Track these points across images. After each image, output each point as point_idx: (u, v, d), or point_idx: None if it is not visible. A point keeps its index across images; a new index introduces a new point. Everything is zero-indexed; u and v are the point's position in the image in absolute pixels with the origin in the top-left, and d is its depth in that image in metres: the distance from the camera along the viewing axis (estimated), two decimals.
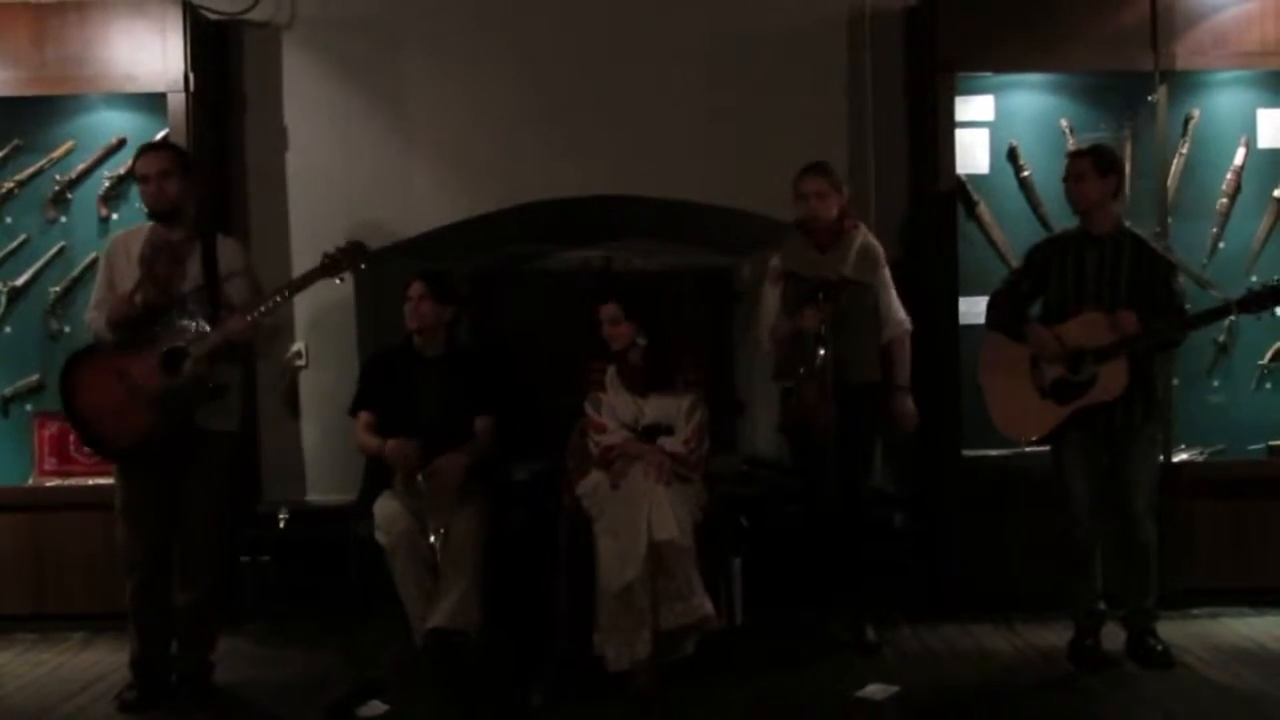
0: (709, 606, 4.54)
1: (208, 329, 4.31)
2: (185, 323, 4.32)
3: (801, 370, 4.83)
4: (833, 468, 4.78)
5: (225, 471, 4.56)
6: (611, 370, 4.97)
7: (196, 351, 4.29)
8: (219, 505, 4.53)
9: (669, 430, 4.89)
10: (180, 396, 4.30)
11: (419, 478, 4.75)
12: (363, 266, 4.56)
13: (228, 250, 4.55)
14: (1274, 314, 5.27)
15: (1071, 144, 5.52)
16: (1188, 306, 4.71)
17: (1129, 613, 4.84)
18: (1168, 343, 4.75)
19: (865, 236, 5.02)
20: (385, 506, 4.83)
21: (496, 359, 5.39)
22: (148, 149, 4.56)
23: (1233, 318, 4.71)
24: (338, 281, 4.57)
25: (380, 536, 4.76)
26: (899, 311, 5.04)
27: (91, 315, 4.52)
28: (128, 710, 4.39)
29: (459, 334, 5.28)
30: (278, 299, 4.46)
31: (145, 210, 4.52)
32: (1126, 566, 4.78)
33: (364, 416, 5.05)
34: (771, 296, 5.05)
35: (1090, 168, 4.66)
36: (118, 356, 4.36)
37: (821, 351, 4.75)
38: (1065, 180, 4.75)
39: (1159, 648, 4.76)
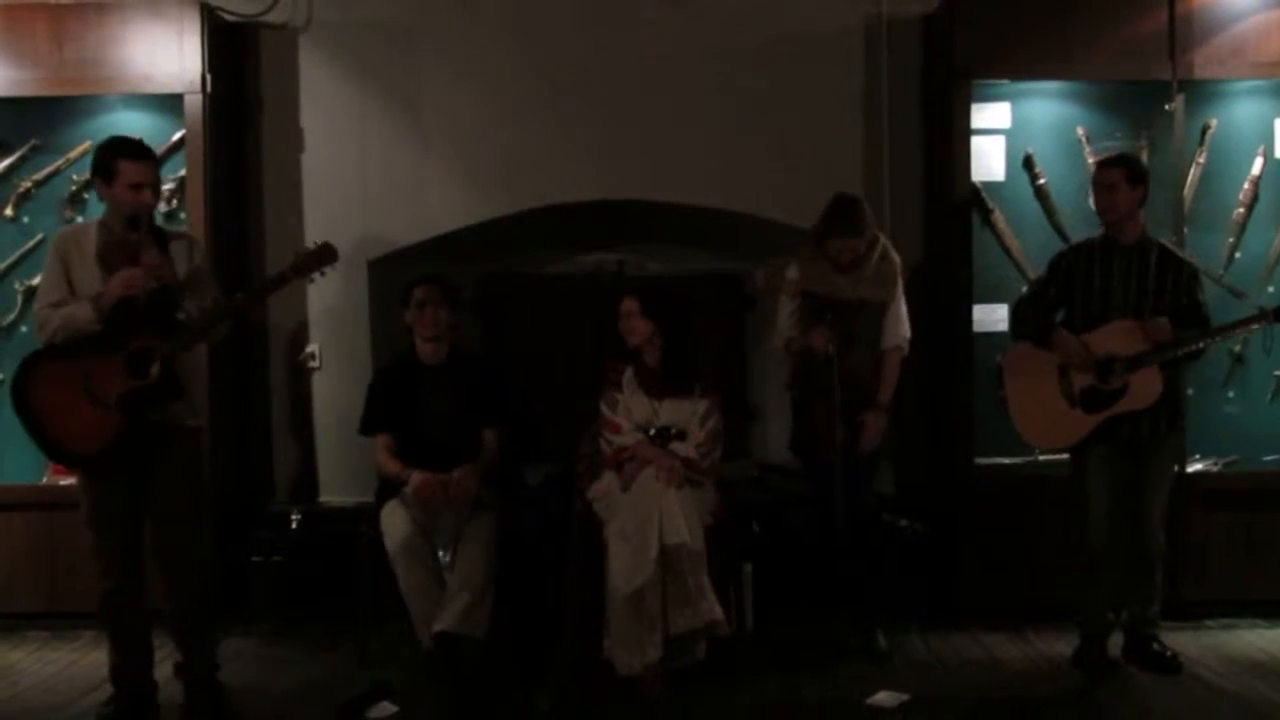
0: (718, 611, 4.53)
1: (172, 325, 4.21)
2: (150, 320, 4.18)
3: (808, 387, 4.85)
4: (840, 483, 4.78)
5: (198, 469, 4.45)
6: (629, 371, 4.97)
7: (163, 353, 4.17)
8: (196, 505, 4.42)
9: (681, 435, 4.88)
10: (147, 399, 4.19)
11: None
12: (325, 272, 4.48)
13: (183, 249, 4.42)
14: None
15: (1089, 152, 5.51)
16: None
17: (1132, 619, 4.85)
18: (1196, 353, 4.70)
19: (885, 249, 5.01)
20: (391, 514, 4.82)
21: (497, 367, 5.38)
22: (138, 153, 4.29)
23: (1256, 327, 4.65)
24: (309, 280, 4.51)
25: (386, 542, 4.76)
26: (902, 324, 5.01)
27: (46, 313, 4.26)
28: None
29: (459, 339, 5.25)
30: (245, 299, 4.44)
31: (116, 213, 4.28)
32: (1134, 573, 4.77)
33: (383, 439, 5.02)
34: (787, 308, 5.05)
35: (1122, 178, 4.64)
36: (78, 359, 4.19)
37: (829, 377, 4.75)
38: (1096, 189, 4.72)
39: (1168, 653, 4.76)
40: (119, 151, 4.28)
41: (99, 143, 4.41)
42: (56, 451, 4.34)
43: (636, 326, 4.90)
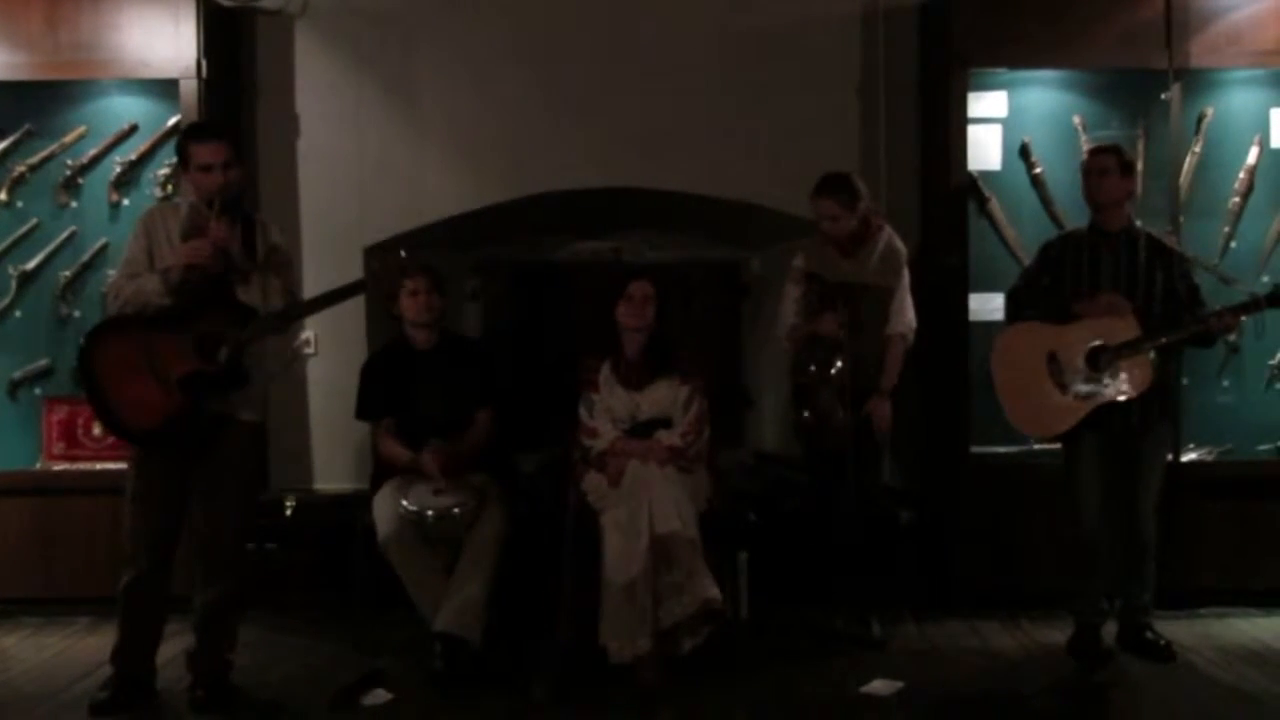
0: (715, 590, 4.48)
1: (245, 314, 4.18)
2: (224, 306, 4.17)
3: (816, 373, 4.84)
4: (851, 473, 4.78)
5: (253, 465, 4.43)
6: (605, 367, 4.94)
7: (232, 339, 4.14)
8: (246, 499, 4.41)
9: (666, 424, 4.87)
10: (211, 384, 4.16)
11: (429, 513, 4.69)
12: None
13: (269, 234, 4.40)
14: None
15: (1085, 141, 5.51)
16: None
17: (1125, 607, 4.86)
18: (1200, 339, 4.68)
19: (890, 238, 5.01)
20: (383, 502, 4.81)
21: (488, 350, 5.41)
22: (204, 135, 4.33)
23: (1251, 315, 4.66)
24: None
25: (377, 530, 4.75)
26: (907, 311, 5.02)
27: (121, 283, 4.24)
28: (99, 713, 4.24)
29: (450, 324, 5.26)
30: (319, 301, 4.39)
31: (198, 197, 4.28)
32: (1127, 561, 4.78)
33: (386, 423, 5.03)
34: (792, 296, 5.05)
35: (1115, 165, 4.67)
36: (146, 333, 4.16)
37: (839, 363, 4.76)
38: (1087, 175, 4.73)
39: (1161, 641, 4.77)
40: (188, 136, 4.35)
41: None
42: (112, 422, 4.27)
43: (646, 311, 4.88)
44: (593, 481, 4.82)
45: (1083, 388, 4.63)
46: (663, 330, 4.95)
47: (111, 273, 4.77)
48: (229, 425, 4.27)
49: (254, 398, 4.36)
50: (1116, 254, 4.68)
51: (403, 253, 4.62)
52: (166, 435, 4.20)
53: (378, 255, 4.90)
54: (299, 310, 4.40)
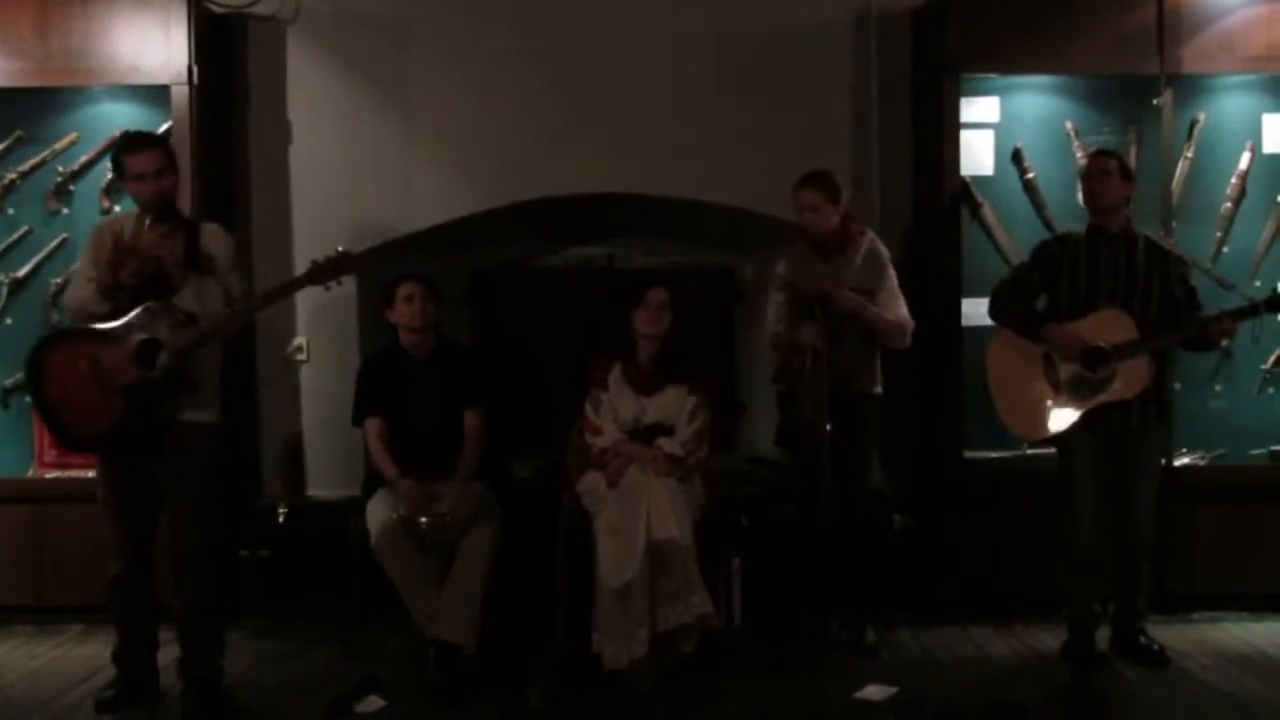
0: (709, 605, 4.53)
1: (185, 320, 4.20)
2: (163, 313, 4.19)
3: (796, 381, 4.83)
4: (829, 479, 4.76)
5: (209, 466, 4.41)
6: (617, 368, 4.96)
7: (172, 345, 4.16)
8: (206, 502, 4.40)
9: (669, 431, 4.87)
10: (152, 390, 4.18)
11: (422, 520, 4.67)
12: (339, 284, 4.50)
13: (211, 239, 4.42)
14: (1277, 319, 5.23)
15: (1077, 147, 5.52)
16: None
17: (1119, 610, 4.88)
18: (1198, 343, 4.68)
19: (872, 243, 5.01)
20: (376, 507, 4.81)
21: (480, 354, 5.42)
22: (137, 145, 4.37)
23: (1249, 320, 4.68)
24: (324, 289, 4.50)
25: (370, 536, 4.74)
26: (897, 305, 4.98)
27: (70, 293, 4.42)
28: (104, 710, 4.32)
29: (443, 333, 5.24)
30: (258, 302, 4.42)
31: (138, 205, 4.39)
32: (1122, 565, 4.80)
33: (374, 424, 5.01)
34: (775, 302, 5.05)
35: (1116, 168, 4.71)
36: (90, 343, 4.22)
37: (818, 372, 4.74)
38: (1088, 177, 4.75)
39: (1155, 646, 4.78)
40: (121, 149, 4.40)
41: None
42: (61, 432, 4.35)
43: (664, 318, 4.89)
44: (590, 481, 4.83)
45: (1078, 389, 4.64)
46: (675, 338, 4.95)
47: None
48: (182, 429, 4.28)
49: (206, 400, 4.37)
50: (1116, 255, 4.69)
51: (340, 248, 4.52)
52: (113, 442, 4.27)
53: (365, 260, 4.87)
54: (234, 314, 4.35)
